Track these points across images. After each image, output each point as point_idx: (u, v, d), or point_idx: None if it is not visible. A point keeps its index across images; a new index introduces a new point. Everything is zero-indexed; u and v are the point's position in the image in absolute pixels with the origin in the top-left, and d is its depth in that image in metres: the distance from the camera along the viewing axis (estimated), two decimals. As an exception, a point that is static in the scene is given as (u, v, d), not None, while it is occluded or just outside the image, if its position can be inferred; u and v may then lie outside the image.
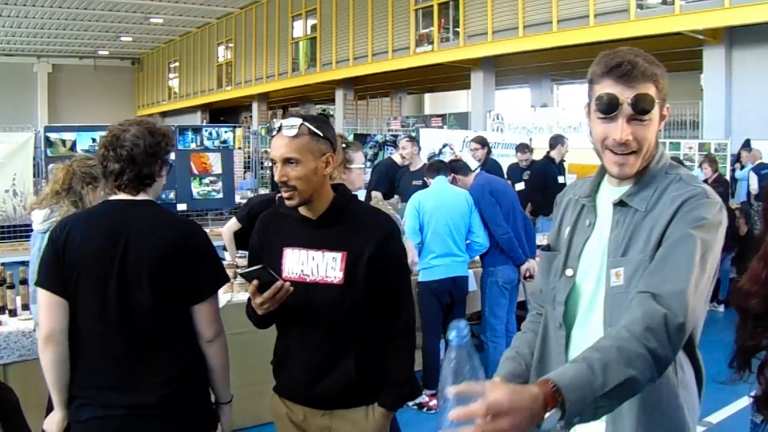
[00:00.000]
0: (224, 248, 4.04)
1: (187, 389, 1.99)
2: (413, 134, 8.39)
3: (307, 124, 1.88)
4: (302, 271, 1.96)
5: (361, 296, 1.95)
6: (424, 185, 5.96)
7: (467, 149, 6.53)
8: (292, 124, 1.88)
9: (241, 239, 4.60)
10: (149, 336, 1.94)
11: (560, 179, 7.15)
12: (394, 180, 6.41)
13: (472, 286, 4.50)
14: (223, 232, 3.96)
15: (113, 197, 2.03)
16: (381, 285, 1.97)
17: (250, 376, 3.09)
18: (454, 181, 4.57)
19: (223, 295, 3.83)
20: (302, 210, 1.98)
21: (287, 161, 1.88)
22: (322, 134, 1.90)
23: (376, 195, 6.32)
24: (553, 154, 7.25)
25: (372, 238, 1.95)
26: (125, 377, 1.92)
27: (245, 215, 4.40)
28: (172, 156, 2.17)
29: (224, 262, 4.04)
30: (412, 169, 6.24)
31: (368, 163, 8.12)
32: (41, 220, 3.02)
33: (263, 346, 3.91)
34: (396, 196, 6.24)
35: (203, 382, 2.06)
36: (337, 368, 1.98)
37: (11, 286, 3.44)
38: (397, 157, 6.60)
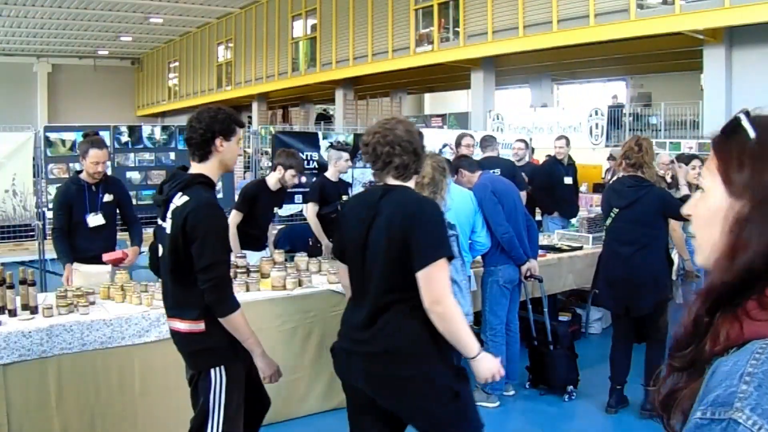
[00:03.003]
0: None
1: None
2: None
3: None
4: None
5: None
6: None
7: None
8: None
9: (243, 234, 4.64)
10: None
11: (566, 180, 7.15)
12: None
13: (473, 286, 4.49)
14: (228, 228, 3.95)
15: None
16: None
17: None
18: (458, 180, 4.55)
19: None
20: None
21: None
22: None
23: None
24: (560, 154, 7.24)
25: None
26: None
27: (241, 202, 4.78)
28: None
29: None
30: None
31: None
32: None
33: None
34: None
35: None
36: None
37: (11, 286, 3.42)
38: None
